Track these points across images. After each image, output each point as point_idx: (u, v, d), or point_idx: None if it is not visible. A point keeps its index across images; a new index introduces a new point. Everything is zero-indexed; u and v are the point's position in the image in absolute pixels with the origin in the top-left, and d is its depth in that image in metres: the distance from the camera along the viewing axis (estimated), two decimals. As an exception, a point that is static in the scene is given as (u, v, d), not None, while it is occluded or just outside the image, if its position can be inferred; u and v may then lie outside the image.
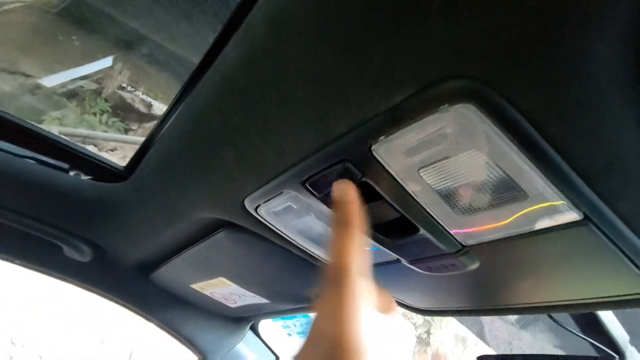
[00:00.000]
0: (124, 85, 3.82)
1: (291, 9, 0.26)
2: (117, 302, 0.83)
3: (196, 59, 0.41)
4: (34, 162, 0.62)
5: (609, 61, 0.19)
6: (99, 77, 3.80)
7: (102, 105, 3.56)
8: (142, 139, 0.59)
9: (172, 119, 0.48)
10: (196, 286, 0.73)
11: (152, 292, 0.82)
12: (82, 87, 3.76)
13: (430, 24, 0.21)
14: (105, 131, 3.50)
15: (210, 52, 0.39)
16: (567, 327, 0.54)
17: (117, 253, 0.74)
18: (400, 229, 0.35)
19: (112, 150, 3.10)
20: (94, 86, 3.82)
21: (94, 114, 3.51)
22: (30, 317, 2.26)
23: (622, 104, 0.20)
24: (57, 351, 2.29)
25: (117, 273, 0.78)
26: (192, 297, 0.82)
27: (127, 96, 3.74)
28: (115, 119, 3.61)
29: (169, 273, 0.73)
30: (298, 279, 0.60)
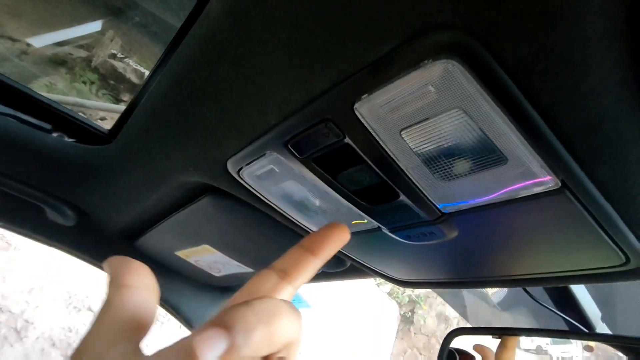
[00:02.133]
0: (115, 53, 3.72)
1: None
2: (102, 268, 0.83)
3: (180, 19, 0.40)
4: (15, 120, 0.60)
5: (598, 10, 0.18)
6: (89, 45, 3.68)
7: (90, 75, 3.47)
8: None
9: (156, 80, 0.47)
10: (181, 253, 0.73)
11: (138, 259, 0.82)
12: (71, 54, 3.65)
13: None
14: (95, 100, 3.42)
15: (196, 7, 0.38)
16: (542, 303, 0.55)
17: (101, 218, 0.73)
18: (381, 194, 0.34)
19: (101, 119, 3.05)
20: (83, 54, 3.71)
21: (84, 82, 3.42)
22: (16, 283, 2.27)
23: (607, 61, 0.20)
24: (44, 317, 2.31)
25: (101, 239, 0.78)
26: (177, 266, 0.82)
27: (118, 65, 3.65)
28: (105, 90, 3.53)
29: (154, 240, 0.73)
30: (282, 247, 0.60)
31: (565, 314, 0.57)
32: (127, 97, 3.76)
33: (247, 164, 0.38)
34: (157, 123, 0.47)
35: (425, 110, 0.25)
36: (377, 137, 0.29)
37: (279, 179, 0.38)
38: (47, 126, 0.63)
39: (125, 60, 3.73)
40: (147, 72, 3.59)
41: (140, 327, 0.22)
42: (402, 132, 0.27)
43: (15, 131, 0.60)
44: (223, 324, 0.18)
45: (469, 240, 0.37)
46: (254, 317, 0.19)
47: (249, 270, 0.71)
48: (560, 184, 0.26)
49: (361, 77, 0.25)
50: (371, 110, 0.27)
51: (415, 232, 0.37)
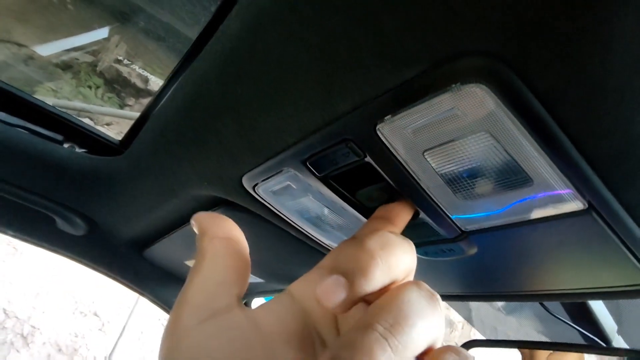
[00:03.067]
0: (120, 58, 3.74)
1: None
2: (110, 277, 0.83)
3: (194, 33, 0.40)
4: (27, 132, 0.61)
5: (633, 40, 0.18)
6: (95, 50, 3.71)
7: (96, 80, 3.49)
8: (138, 114, 0.57)
9: (169, 92, 0.47)
10: (190, 263, 0.73)
11: (146, 267, 0.82)
12: (77, 59, 3.67)
13: (450, 6, 0.19)
14: (101, 105, 3.44)
15: (212, 22, 0.38)
16: (557, 315, 0.55)
17: (111, 228, 0.73)
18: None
19: (107, 124, 3.06)
20: (89, 59, 3.73)
21: (89, 87, 3.44)
22: (23, 288, 2.28)
23: None
24: (51, 322, 2.31)
25: (111, 248, 0.78)
26: (186, 274, 0.82)
27: (123, 70, 3.66)
28: (111, 94, 3.55)
29: (163, 250, 0.72)
30: (293, 260, 0.60)
31: (580, 326, 0.57)
32: (132, 102, 3.78)
33: (263, 180, 0.38)
34: (171, 136, 0.46)
35: (450, 133, 0.25)
36: (398, 157, 0.28)
37: (296, 195, 0.38)
38: (59, 137, 0.63)
39: (130, 65, 3.75)
40: (151, 77, 3.60)
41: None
42: (425, 153, 0.27)
43: (27, 143, 0.60)
44: (339, 269, 0.18)
45: (487, 256, 0.37)
46: (366, 254, 0.20)
47: (260, 280, 0.70)
48: (587, 206, 0.26)
49: (385, 99, 0.25)
50: (394, 131, 0.26)
51: (434, 248, 0.37)
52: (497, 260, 0.37)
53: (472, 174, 0.27)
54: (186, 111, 0.41)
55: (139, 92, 3.67)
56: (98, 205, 0.68)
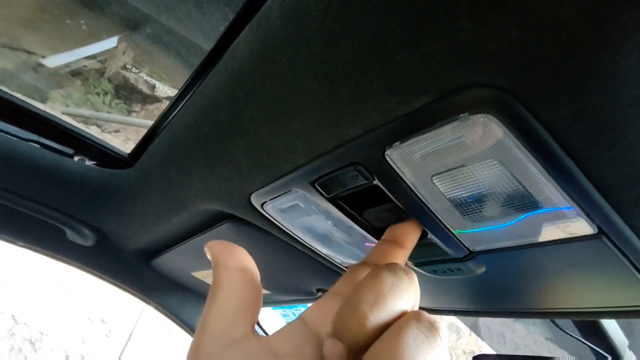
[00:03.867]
0: (127, 65, 3.78)
1: (309, 2, 0.25)
2: (118, 286, 0.84)
3: (202, 42, 0.40)
4: (38, 146, 0.62)
5: (639, 76, 0.18)
6: (103, 57, 3.76)
7: (105, 86, 3.53)
8: (146, 122, 0.58)
9: (180, 107, 0.47)
10: (197, 274, 0.74)
11: (153, 277, 0.83)
12: (85, 66, 3.72)
13: (457, 27, 0.20)
14: (108, 112, 3.48)
15: (221, 42, 0.38)
16: (566, 330, 0.54)
17: (119, 239, 0.74)
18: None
19: (115, 131, 3.10)
20: (97, 65, 3.78)
21: (97, 94, 3.49)
22: (31, 294, 2.30)
23: None
24: (58, 328, 2.33)
25: (118, 258, 0.78)
26: (192, 284, 0.82)
27: (130, 77, 3.71)
28: (118, 101, 3.59)
29: (171, 260, 0.73)
30: (299, 272, 0.60)
31: (590, 341, 0.56)
32: (138, 108, 3.81)
33: (272, 199, 0.38)
34: (181, 152, 0.47)
35: (458, 160, 0.25)
36: (407, 181, 0.28)
37: (304, 214, 0.38)
38: (70, 151, 0.64)
39: (137, 72, 3.79)
40: (158, 84, 3.63)
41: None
42: (433, 178, 0.27)
43: (39, 156, 0.61)
44: (337, 333, 0.20)
45: (496, 275, 0.37)
46: (377, 294, 0.21)
47: (266, 292, 0.71)
48: (597, 230, 0.26)
49: (393, 126, 0.25)
50: (402, 156, 0.27)
51: (442, 267, 0.37)
52: (506, 279, 0.37)
53: (481, 199, 0.27)
54: (196, 129, 0.42)
55: (146, 99, 3.71)
56: (107, 217, 0.69)
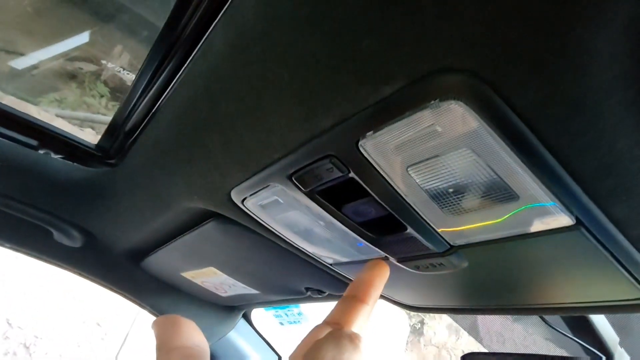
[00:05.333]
0: (123, 67, 3.78)
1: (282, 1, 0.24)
2: (108, 288, 0.83)
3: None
4: (3, 139, 0.59)
5: (610, 59, 0.17)
6: (98, 59, 3.75)
7: (101, 89, 3.53)
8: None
9: (159, 104, 0.46)
10: (186, 274, 0.73)
11: (144, 279, 0.82)
12: (81, 68, 3.71)
13: (424, 13, 0.19)
14: (104, 114, 3.47)
15: (196, 32, 0.37)
16: (557, 328, 0.53)
17: (107, 239, 0.73)
18: (387, 226, 0.34)
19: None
20: (93, 68, 3.77)
21: (93, 96, 3.48)
22: (26, 298, 2.28)
23: (621, 105, 0.19)
24: (53, 332, 2.31)
25: (108, 259, 0.78)
26: (183, 285, 0.81)
27: (126, 78, 3.70)
28: (114, 102, 3.58)
29: (159, 261, 0.72)
30: (287, 271, 0.59)
31: (580, 339, 0.55)
32: (135, 110, 3.80)
33: (251, 194, 0.38)
34: (161, 150, 0.46)
35: (432, 149, 0.24)
36: (382, 173, 0.28)
37: (284, 209, 0.37)
38: (34, 142, 0.62)
39: (132, 74, 3.78)
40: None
41: None
42: (408, 169, 0.27)
43: (19, 155, 0.61)
44: None
45: (480, 270, 0.36)
46: None
47: (256, 291, 0.70)
48: (575, 221, 0.25)
49: (365, 115, 0.25)
50: (376, 147, 0.26)
51: (424, 262, 0.36)
52: (489, 274, 0.36)
53: (458, 190, 0.27)
54: (175, 126, 0.41)
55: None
56: (93, 217, 0.68)
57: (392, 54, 0.21)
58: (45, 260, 0.78)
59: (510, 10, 0.17)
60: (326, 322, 0.28)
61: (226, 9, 0.29)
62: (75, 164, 0.63)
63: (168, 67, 0.40)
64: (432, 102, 0.22)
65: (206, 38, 0.33)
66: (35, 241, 0.74)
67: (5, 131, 0.60)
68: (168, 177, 0.48)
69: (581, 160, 0.22)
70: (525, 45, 0.18)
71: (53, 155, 0.63)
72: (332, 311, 0.29)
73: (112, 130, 0.56)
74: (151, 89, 0.44)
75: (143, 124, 0.50)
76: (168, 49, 0.39)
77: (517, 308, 0.41)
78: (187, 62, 0.36)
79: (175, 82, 0.39)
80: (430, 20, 0.19)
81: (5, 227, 0.72)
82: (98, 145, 0.62)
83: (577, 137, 0.21)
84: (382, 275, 0.31)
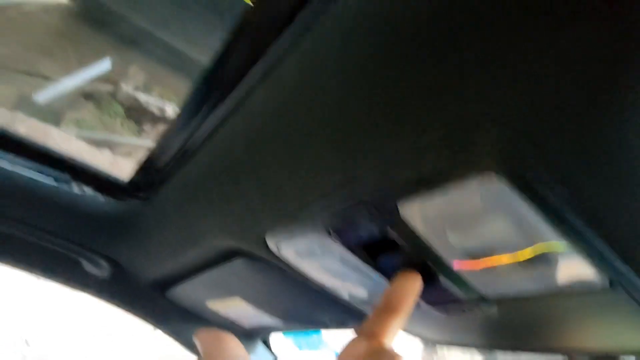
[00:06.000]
0: (138, 87, 3.87)
1: (325, 59, 0.26)
2: (134, 315, 0.85)
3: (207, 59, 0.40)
4: (38, 174, 0.62)
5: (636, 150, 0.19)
6: (114, 79, 3.86)
7: (117, 109, 3.62)
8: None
9: (194, 146, 0.48)
10: (211, 304, 0.74)
11: (167, 307, 0.84)
12: (98, 88, 3.82)
13: (465, 96, 0.21)
14: (120, 133, 3.55)
15: (238, 79, 0.38)
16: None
17: (134, 269, 0.75)
18: (421, 275, 0.35)
19: (127, 154, 3.15)
20: (109, 88, 3.88)
21: (109, 115, 3.57)
22: (45, 318, 2.31)
23: None
24: (71, 351, 2.33)
25: (134, 288, 0.80)
26: (206, 313, 0.83)
27: (141, 98, 3.79)
28: (129, 122, 3.66)
29: (185, 291, 0.74)
30: (312, 304, 0.60)
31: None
32: (148, 128, 3.87)
33: (287, 240, 0.39)
34: (196, 190, 0.48)
35: (469, 215, 0.26)
36: (418, 231, 0.29)
37: (319, 256, 0.39)
38: (67, 177, 0.65)
39: (147, 93, 3.87)
40: (167, 105, 3.70)
41: None
42: (445, 229, 0.28)
43: (53, 189, 0.64)
44: None
45: (509, 317, 0.37)
46: None
47: (280, 321, 0.71)
48: (609, 283, 0.26)
49: (405, 181, 0.26)
50: (413, 210, 0.28)
51: (454, 307, 0.37)
52: (518, 320, 0.37)
53: (493, 250, 0.28)
54: (212, 168, 0.43)
55: (155, 119, 3.79)
56: (122, 249, 0.70)
57: (433, 130, 0.23)
58: (74, 289, 0.80)
59: (549, 108, 0.19)
60: (361, 333, 0.30)
61: (269, 66, 0.32)
62: (109, 199, 0.66)
63: (207, 109, 0.42)
64: (471, 176, 0.23)
65: (248, 88, 0.35)
66: (64, 270, 0.77)
67: (40, 167, 0.63)
68: (201, 216, 0.50)
69: (617, 231, 0.23)
70: (563, 136, 0.20)
71: (85, 189, 0.66)
72: (367, 322, 0.31)
73: (146, 167, 0.59)
74: (189, 129, 0.46)
75: (178, 163, 0.52)
76: (209, 92, 0.40)
77: (545, 348, 0.42)
78: (228, 108, 0.38)
79: (213, 125, 0.41)
80: (471, 102, 0.21)
81: (36, 256, 0.74)
82: (130, 181, 0.65)
83: (613, 213, 0.22)
84: (416, 286, 0.32)
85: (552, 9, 0.16)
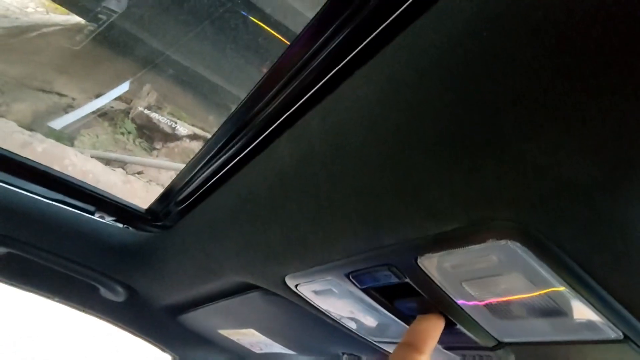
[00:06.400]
0: (151, 105, 3.95)
1: (351, 129, 0.28)
2: (146, 340, 0.86)
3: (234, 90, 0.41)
4: (63, 205, 0.65)
5: None
6: (128, 98, 3.95)
7: (129, 126, 3.69)
8: (168, 163, 0.60)
9: (216, 188, 0.50)
10: (224, 332, 0.75)
11: (179, 332, 0.85)
12: (112, 107, 3.91)
13: (484, 171, 0.22)
14: (131, 150, 3.61)
15: (266, 127, 0.40)
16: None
17: (149, 295, 0.77)
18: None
19: (138, 173, 3.21)
20: (123, 106, 3.97)
21: (122, 133, 3.64)
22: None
23: None
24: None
25: (147, 313, 0.81)
26: (217, 340, 0.83)
27: (153, 116, 3.87)
28: (141, 139, 3.73)
29: (199, 318, 0.75)
30: (326, 338, 0.61)
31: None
32: (159, 145, 3.93)
33: (306, 282, 0.41)
34: (218, 228, 0.50)
35: (487, 272, 0.27)
36: (437, 283, 0.30)
37: (336, 297, 0.40)
38: (91, 208, 0.67)
39: (158, 111, 3.95)
40: (177, 125, 3.77)
41: None
42: (463, 283, 0.29)
43: (78, 220, 0.66)
44: None
45: None
46: None
47: (292, 352, 0.71)
48: (622, 336, 0.27)
49: (426, 240, 0.28)
50: (433, 264, 0.29)
51: (471, 353, 0.38)
52: None
53: (509, 302, 0.29)
54: (235, 211, 0.45)
55: (167, 137, 3.85)
56: (140, 276, 0.72)
57: (453, 199, 0.25)
58: (89, 314, 0.82)
59: (562, 189, 0.20)
60: None
61: (295, 124, 0.33)
62: (128, 228, 0.68)
63: (234, 148, 0.43)
64: (489, 240, 0.25)
65: (271, 143, 0.37)
66: (82, 296, 0.79)
67: (65, 198, 0.66)
68: (221, 251, 0.52)
69: (630, 291, 0.24)
70: (574, 207, 0.21)
71: (106, 219, 0.69)
72: (390, 358, 0.32)
73: (166, 197, 0.61)
74: (214, 165, 0.47)
75: (199, 197, 0.54)
76: (237, 131, 0.41)
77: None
78: (255, 149, 0.40)
79: (239, 164, 0.43)
80: (489, 176, 0.22)
81: (57, 283, 0.76)
82: (148, 210, 0.67)
83: (626, 275, 0.23)
84: (439, 328, 0.33)
85: (565, 113, 0.18)
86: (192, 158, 0.53)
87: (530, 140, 0.20)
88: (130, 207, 0.69)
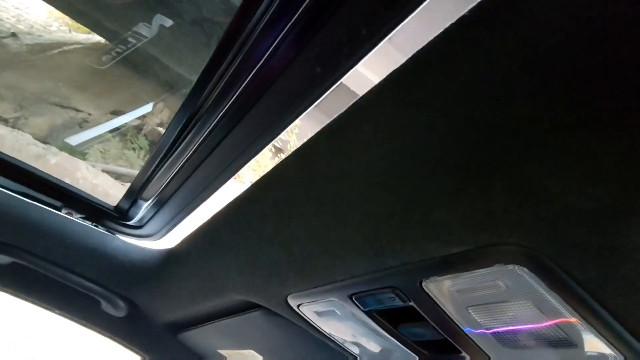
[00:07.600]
0: (163, 122, 4.03)
1: (358, 150, 0.28)
2: (143, 355, 0.84)
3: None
4: (26, 199, 0.64)
5: None
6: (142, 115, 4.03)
7: (142, 142, 3.75)
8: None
9: (220, 207, 0.50)
10: (224, 352, 0.74)
11: (179, 350, 0.83)
12: (125, 123, 3.99)
13: (491, 193, 0.22)
14: (141, 165, 3.65)
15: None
16: None
17: (150, 312, 0.76)
18: (442, 347, 0.35)
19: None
20: (136, 122, 4.05)
21: (133, 149, 3.70)
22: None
23: None
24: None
25: (147, 329, 0.80)
26: (215, 359, 0.82)
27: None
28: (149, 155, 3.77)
29: (199, 336, 0.74)
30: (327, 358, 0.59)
31: None
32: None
33: (309, 302, 0.40)
34: (222, 247, 0.50)
35: (493, 297, 0.27)
36: (442, 308, 0.30)
37: (339, 319, 0.39)
38: (58, 204, 0.66)
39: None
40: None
41: None
42: (468, 308, 0.29)
43: (82, 232, 0.66)
44: None
45: None
46: None
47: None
48: None
49: (431, 263, 0.27)
50: (439, 288, 0.28)
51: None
52: None
53: (515, 330, 0.28)
54: (239, 230, 0.45)
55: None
56: (142, 292, 0.72)
57: (460, 224, 0.24)
58: (89, 327, 0.81)
59: (570, 216, 0.20)
60: None
61: (302, 146, 0.34)
62: (97, 226, 0.68)
63: (188, 138, 0.44)
64: (496, 265, 0.24)
65: (278, 163, 0.37)
66: (83, 310, 0.78)
67: (30, 192, 0.65)
68: (224, 270, 0.51)
69: (632, 316, 0.23)
70: (585, 235, 0.21)
71: (74, 215, 0.68)
72: None
73: (131, 194, 0.61)
74: (171, 158, 0.48)
75: (164, 192, 0.53)
76: (189, 120, 0.43)
77: None
78: (212, 142, 0.40)
79: (201, 158, 0.43)
80: (498, 201, 0.22)
81: (59, 295, 0.76)
82: (117, 207, 0.66)
83: (633, 302, 0.22)
84: None
85: (574, 139, 0.18)
86: (151, 154, 0.54)
87: (539, 164, 0.20)
88: (99, 204, 0.68)
